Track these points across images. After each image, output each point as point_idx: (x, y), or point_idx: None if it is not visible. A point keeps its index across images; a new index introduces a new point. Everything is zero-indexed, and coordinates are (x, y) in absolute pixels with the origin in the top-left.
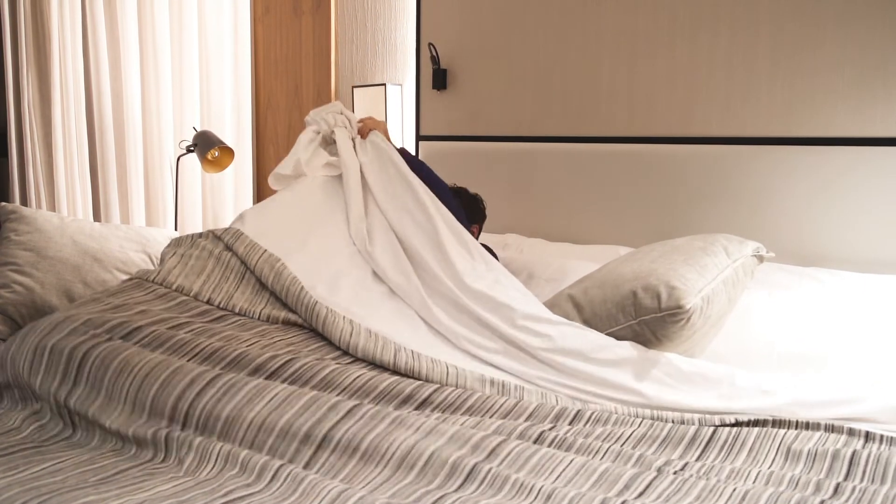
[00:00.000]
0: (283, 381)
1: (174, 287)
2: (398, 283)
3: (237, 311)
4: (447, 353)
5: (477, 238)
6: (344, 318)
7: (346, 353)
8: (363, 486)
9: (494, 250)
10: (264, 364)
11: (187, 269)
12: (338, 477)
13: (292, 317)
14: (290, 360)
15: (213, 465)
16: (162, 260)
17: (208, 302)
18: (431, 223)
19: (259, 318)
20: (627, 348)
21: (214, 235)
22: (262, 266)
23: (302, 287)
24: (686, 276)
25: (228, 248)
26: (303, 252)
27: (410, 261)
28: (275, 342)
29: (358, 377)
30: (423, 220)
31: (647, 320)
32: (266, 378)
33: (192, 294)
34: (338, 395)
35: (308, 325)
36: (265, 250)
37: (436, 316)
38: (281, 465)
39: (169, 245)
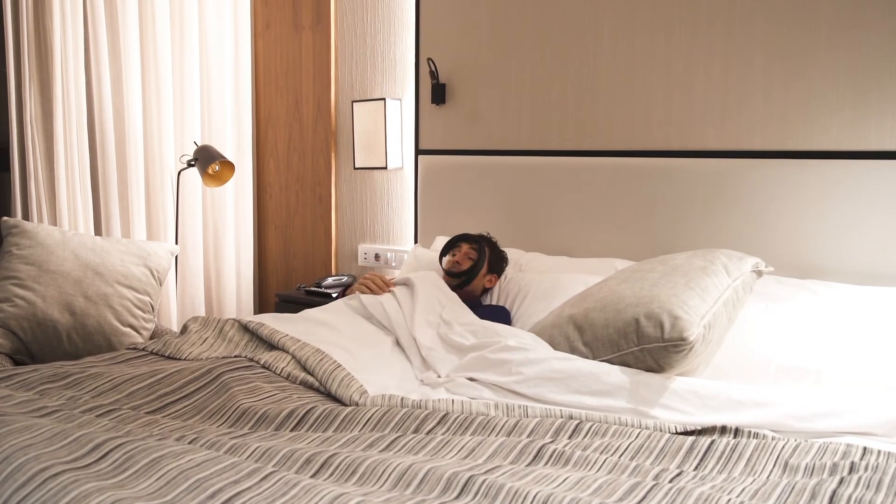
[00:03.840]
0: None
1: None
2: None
3: (262, 363)
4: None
5: (494, 285)
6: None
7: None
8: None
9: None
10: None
11: (214, 347)
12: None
13: (310, 378)
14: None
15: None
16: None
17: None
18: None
19: (280, 374)
20: (617, 374)
21: (240, 324)
22: (285, 341)
23: (323, 355)
24: (688, 302)
25: (254, 333)
26: (322, 337)
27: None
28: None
29: (373, 415)
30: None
31: (650, 349)
32: (298, 422)
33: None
34: (360, 429)
35: (324, 387)
36: (286, 334)
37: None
38: (273, 472)
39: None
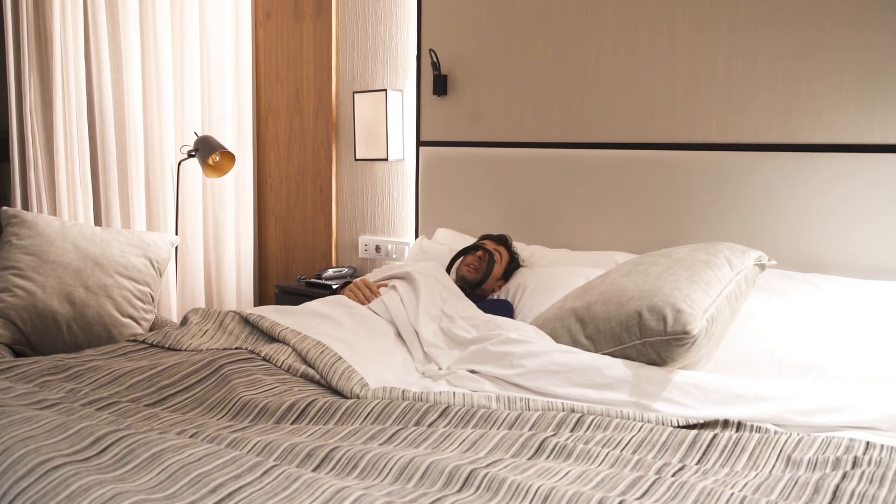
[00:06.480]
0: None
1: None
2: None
3: (262, 356)
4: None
5: (501, 289)
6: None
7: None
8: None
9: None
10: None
11: (214, 339)
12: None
13: (310, 371)
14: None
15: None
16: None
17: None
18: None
19: (280, 367)
20: (620, 367)
21: (240, 316)
22: (286, 334)
23: (324, 348)
24: (691, 296)
25: (254, 325)
26: (322, 328)
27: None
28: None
29: (374, 407)
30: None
31: (653, 342)
32: (299, 415)
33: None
34: (361, 422)
35: (325, 380)
36: (287, 326)
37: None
38: (274, 466)
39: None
